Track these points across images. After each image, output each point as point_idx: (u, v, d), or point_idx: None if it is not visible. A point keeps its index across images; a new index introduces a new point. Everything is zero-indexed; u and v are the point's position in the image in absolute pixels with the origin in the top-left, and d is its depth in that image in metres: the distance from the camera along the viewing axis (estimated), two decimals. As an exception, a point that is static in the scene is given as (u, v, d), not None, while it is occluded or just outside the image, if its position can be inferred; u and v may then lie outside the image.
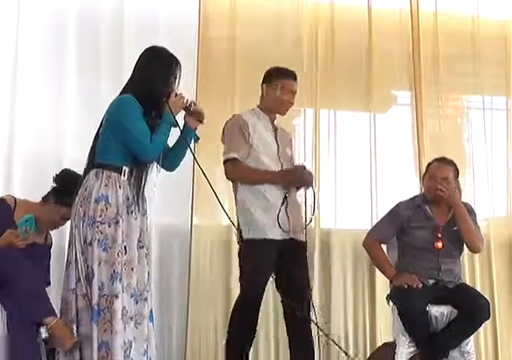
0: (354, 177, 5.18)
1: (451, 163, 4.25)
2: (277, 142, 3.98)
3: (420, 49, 5.37)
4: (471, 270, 5.15)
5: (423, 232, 4.15)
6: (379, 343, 4.81)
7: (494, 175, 5.37)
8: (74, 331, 3.24)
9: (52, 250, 3.94)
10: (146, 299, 3.36)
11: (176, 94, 3.36)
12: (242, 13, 5.15)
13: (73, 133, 4.74)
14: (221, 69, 5.10)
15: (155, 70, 3.37)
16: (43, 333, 3.49)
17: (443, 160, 4.27)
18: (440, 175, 4.18)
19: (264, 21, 5.20)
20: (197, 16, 5.02)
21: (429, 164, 4.31)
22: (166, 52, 3.44)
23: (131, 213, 3.33)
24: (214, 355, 4.82)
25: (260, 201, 3.85)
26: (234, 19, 5.14)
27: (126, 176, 3.33)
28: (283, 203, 3.83)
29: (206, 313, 4.87)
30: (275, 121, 4.07)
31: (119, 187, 3.30)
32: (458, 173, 4.26)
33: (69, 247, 3.32)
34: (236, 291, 4.81)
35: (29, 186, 4.42)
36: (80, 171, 3.43)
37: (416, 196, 4.35)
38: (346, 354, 4.43)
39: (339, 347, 4.33)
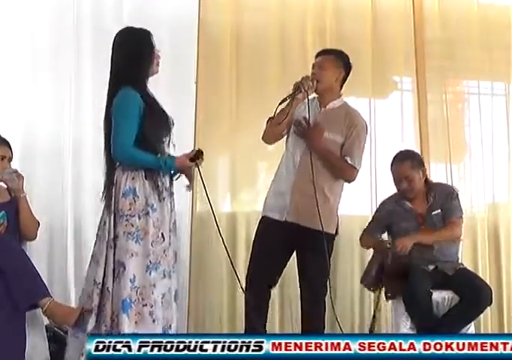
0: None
1: (407, 157, 4.22)
2: None
3: (423, 34, 5.35)
4: (478, 255, 5.20)
5: (407, 223, 4.21)
6: (386, 334, 4.82)
7: (495, 160, 5.37)
8: (93, 321, 3.23)
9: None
10: (170, 277, 3.37)
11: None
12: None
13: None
14: (223, 55, 5.08)
15: (138, 55, 3.36)
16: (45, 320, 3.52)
17: (398, 159, 4.24)
18: (399, 176, 4.20)
19: (268, 7, 5.17)
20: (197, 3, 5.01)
21: (391, 164, 4.28)
22: (137, 31, 3.43)
23: (163, 200, 3.35)
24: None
25: None
26: (238, 4, 5.11)
27: None
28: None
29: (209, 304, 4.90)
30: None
31: (145, 177, 3.31)
32: (419, 161, 4.24)
33: (96, 243, 3.35)
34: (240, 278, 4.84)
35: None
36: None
37: (396, 193, 4.35)
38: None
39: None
